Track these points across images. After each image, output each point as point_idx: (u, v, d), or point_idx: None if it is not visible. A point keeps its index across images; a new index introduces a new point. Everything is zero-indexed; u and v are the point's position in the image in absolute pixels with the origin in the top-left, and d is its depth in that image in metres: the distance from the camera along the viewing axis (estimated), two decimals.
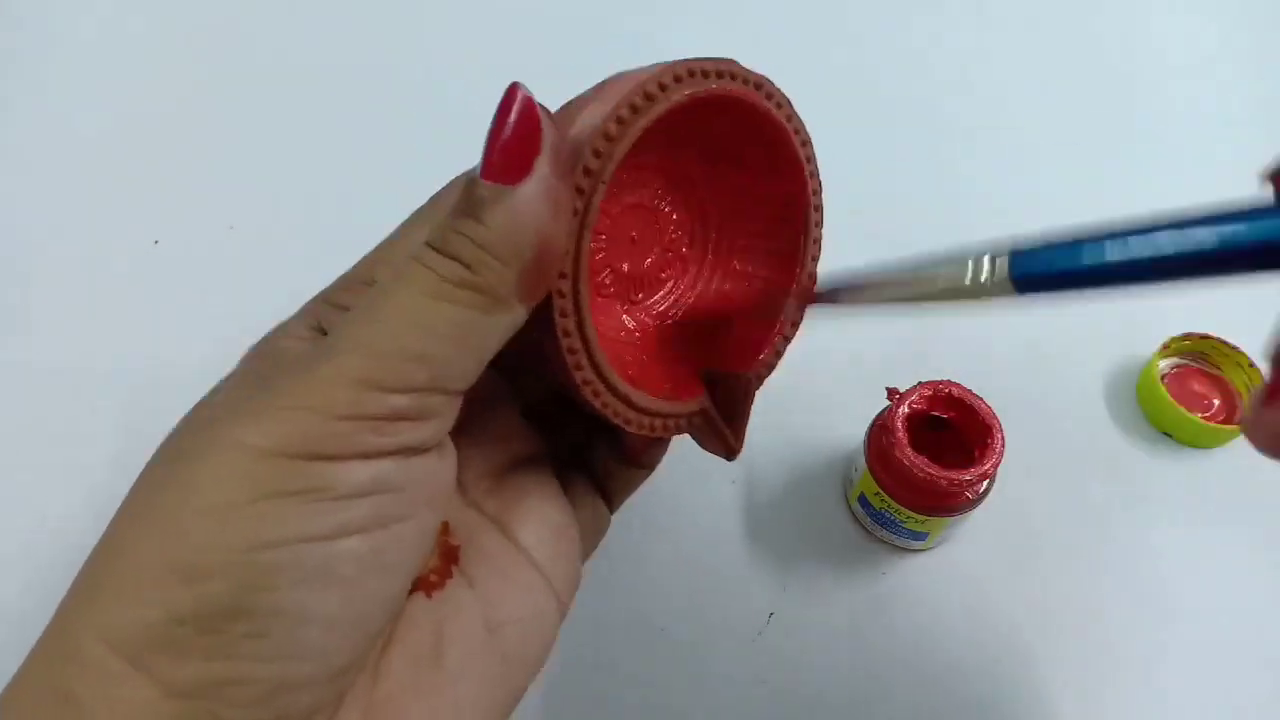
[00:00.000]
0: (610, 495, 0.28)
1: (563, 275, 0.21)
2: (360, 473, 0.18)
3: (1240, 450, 0.45)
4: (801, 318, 0.27)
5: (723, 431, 0.26)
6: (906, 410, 0.39)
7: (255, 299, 0.49)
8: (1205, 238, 0.17)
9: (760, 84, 0.23)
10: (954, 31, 0.64)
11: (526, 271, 0.19)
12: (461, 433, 0.25)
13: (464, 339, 0.19)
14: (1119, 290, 0.18)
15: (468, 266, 0.19)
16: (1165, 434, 0.46)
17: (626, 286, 0.26)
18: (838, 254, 0.27)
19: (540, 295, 0.20)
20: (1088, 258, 0.18)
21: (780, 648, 0.40)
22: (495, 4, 0.62)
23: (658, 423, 0.24)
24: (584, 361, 0.22)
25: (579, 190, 0.20)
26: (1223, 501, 0.44)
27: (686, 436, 0.26)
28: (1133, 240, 0.18)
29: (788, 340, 0.27)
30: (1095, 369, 0.48)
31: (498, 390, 0.27)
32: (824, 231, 0.26)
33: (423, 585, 0.23)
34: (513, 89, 0.19)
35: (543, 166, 0.19)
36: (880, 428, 0.39)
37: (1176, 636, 0.41)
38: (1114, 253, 0.18)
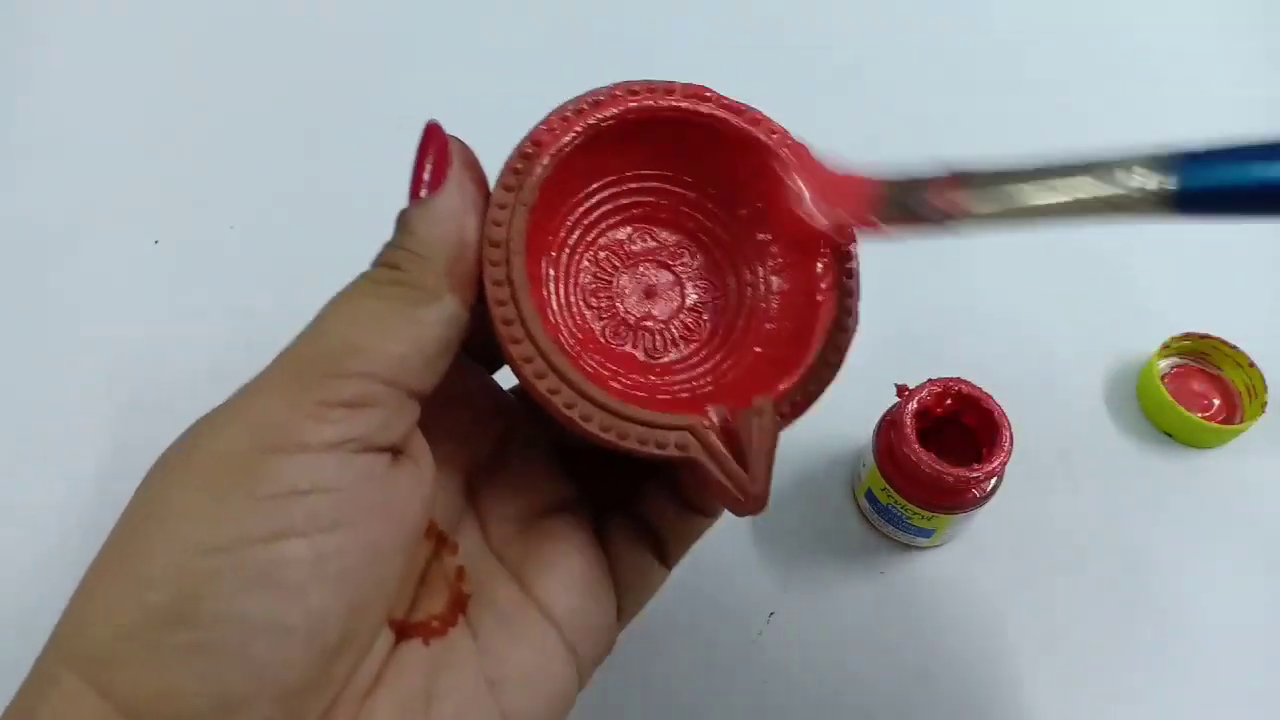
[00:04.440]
0: (665, 546, 0.25)
1: (495, 244, 0.21)
2: (298, 467, 0.18)
3: (1240, 450, 0.46)
4: (846, 341, 0.24)
5: (728, 464, 0.21)
6: (915, 406, 0.39)
7: (255, 299, 0.49)
8: None
9: (740, 110, 0.23)
10: None
11: (452, 262, 0.21)
12: (488, 475, 0.25)
13: (395, 328, 0.20)
14: None
15: (396, 268, 0.21)
16: (1165, 434, 0.46)
17: (647, 342, 0.25)
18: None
19: (474, 288, 0.21)
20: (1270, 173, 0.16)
21: (781, 646, 0.40)
22: (497, 9, 0.63)
23: (628, 428, 0.21)
24: (520, 334, 0.21)
25: (515, 171, 0.22)
26: (1222, 502, 0.45)
27: None
28: None
29: (841, 349, 0.23)
30: (1095, 369, 0.49)
31: (529, 434, 0.26)
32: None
33: (422, 631, 0.22)
34: (428, 125, 0.22)
35: (455, 174, 0.21)
36: (889, 423, 0.40)
37: (1176, 636, 0.41)
38: None
